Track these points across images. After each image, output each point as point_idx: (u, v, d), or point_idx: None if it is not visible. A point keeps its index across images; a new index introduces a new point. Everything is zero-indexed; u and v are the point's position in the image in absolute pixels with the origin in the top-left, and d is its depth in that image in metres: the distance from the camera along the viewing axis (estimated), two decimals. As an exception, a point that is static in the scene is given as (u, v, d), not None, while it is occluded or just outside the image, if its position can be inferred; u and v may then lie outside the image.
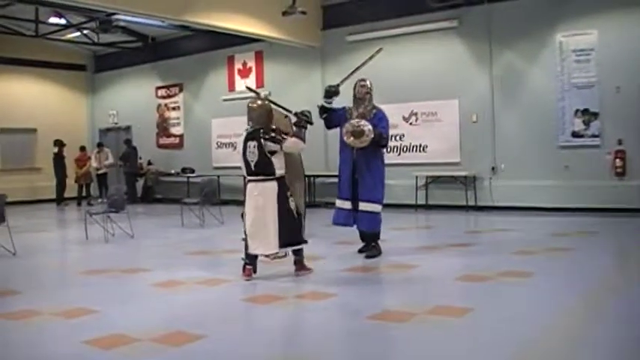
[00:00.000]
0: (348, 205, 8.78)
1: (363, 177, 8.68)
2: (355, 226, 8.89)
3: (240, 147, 7.54)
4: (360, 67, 8.86)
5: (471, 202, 14.36)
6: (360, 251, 9.05)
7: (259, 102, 7.68)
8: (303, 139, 7.55)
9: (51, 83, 22.00)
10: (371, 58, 8.64)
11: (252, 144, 7.35)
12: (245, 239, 7.52)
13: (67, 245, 12.13)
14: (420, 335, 5.24)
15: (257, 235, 7.37)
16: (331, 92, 9.03)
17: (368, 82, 9.02)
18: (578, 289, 6.57)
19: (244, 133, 7.53)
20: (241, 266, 7.57)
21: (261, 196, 7.35)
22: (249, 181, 7.46)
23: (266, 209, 7.33)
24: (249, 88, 8.87)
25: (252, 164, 7.36)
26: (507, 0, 13.99)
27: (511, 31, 14.02)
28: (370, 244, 8.97)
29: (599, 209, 12.70)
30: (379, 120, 8.73)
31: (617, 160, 12.83)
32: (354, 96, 9.04)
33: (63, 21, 18.16)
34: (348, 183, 8.80)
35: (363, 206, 8.65)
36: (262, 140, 7.30)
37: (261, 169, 7.33)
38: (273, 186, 7.34)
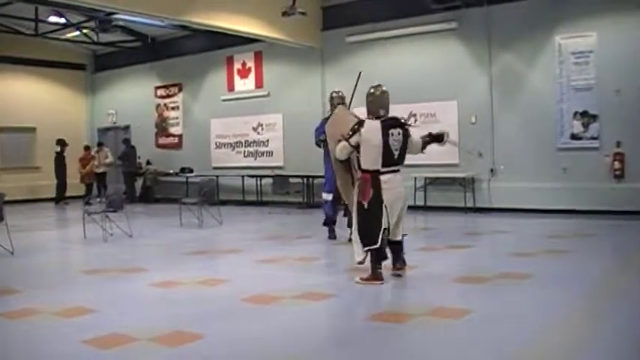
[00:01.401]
0: (331, 196, 10.14)
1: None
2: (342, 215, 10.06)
3: (373, 135, 6.97)
4: (353, 94, 8.80)
5: (470, 204, 14.37)
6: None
7: (382, 88, 7.30)
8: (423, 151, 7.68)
9: (50, 82, 21.99)
10: (356, 84, 8.68)
11: (395, 131, 7.02)
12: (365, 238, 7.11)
13: (65, 244, 12.12)
14: (419, 336, 5.25)
15: (400, 223, 7.22)
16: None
17: (341, 92, 10.16)
18: (576, 291, 6.58)
19: (375, 122, 7.05)
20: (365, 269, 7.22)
21: (402, 187, 7.20)
22: (385, 172, 6.99)
23: (406, 201, 7.31)
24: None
25: (397, 153, 7.03)
26: (506, 2, 14.00)
27: (510, 33, 14.03)
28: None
29: (597, 211, 12.71)
30: None
31: (616, 162, 12.85)
32: (332, 105, 10.07)
33: (62, 20, 18.17)
34: (333, 179, 9.36)
35: None
36: (406, 127, 7.15)
37: (401, 158, 7.12)
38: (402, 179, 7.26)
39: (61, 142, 20.03)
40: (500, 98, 14.22)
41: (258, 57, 18.39)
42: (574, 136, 13.32)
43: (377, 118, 7.07)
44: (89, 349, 5.02)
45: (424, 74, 15.03)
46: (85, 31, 19.48)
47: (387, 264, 7.25)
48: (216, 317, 5.92)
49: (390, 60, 15.55)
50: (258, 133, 18.41)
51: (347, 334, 5.39)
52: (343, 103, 9.89)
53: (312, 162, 11.17)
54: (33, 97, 21.32)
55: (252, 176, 17.99)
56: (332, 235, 10.69)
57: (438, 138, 7.57)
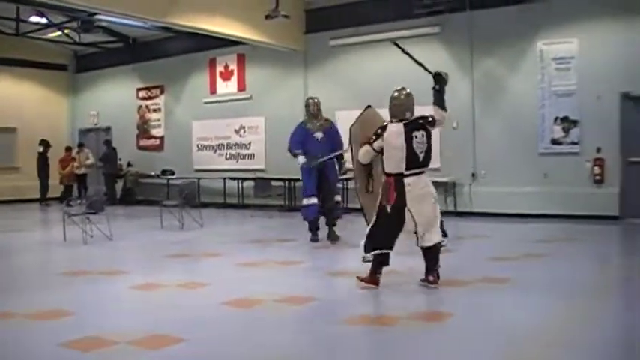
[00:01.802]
0: (315, 200, 10.50)
1: (329, 175, 10.55)
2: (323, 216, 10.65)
3: (396, 139, 6.86)
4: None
5: (451, 208, 14.39)
6: (331, 239, 10.62)
7: (406, 90, 7.25)
8: (445, 107, 7.14)
9: (31, 82, 21.79)
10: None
11: (419, 134, 6.87)
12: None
13: (44, 246, 12.02)
14: (400, 340, 5.25)
15: (431, 227, 7.04)
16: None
17: (317, 99, 10.83)
18: (556, 295, 6.62)
19: (398, 126, 6.93)
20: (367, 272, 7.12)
21: (428, 187, 7.00)
22: (409, 175, 6.84)
23: (435, 201, 7.10)
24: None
25: (422, 155, 6.89)
26: (489, 7, 14.08)
27: (492, 39, 14.11)
28: (333, 230, 10.69)
29: (577, 216, 12.81)
30: (336, 133, 10.70)
31: (596, 167, 12.95)
32: (309, 112, 10.74)
33: (44, 20, 18.06)
34: (314, 183, 10.51)
35: (334, 198, 10.66)
36: (429, 127, 6.97)
37: (427, 160, 6.96)
38: (429, 179, 7.09)
39: (45, 143, 19.92)
40: (482, 103, 14.29)
41: (241, 60, 18.36)
42: (555, 142, 13.41)
43: (401, 121, 6.96)
44: (68, 352, 4.98)
45: (406, 78, 14.89)
46: (66, 31, 19.37)
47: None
48: (197, 320, 5.88)
49: (373, 64, 15.57)
50: (240, 135, 18.39)
51: (328, 338, 5.38)
52: (319, 110, 10.64)
53: (294, 165, 11.15)
54: (14, 98, 21.11)
55: (234, 179, 17.94)
56: (315, 238, 10.72)
57: (440, 81, 7.23)
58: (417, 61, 7.59)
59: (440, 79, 7.18)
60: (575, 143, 13.20)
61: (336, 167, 10.67)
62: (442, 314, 5.88)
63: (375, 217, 7.02)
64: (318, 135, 10.62)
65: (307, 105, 10.83)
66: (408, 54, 7.89)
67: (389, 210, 6.87)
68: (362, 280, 7.06)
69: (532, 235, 11.18)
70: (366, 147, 7.11)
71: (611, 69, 12.80)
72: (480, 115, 14.31)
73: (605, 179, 12.94)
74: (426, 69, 7.37)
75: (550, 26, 13.48)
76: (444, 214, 13.74)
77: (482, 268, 8.24)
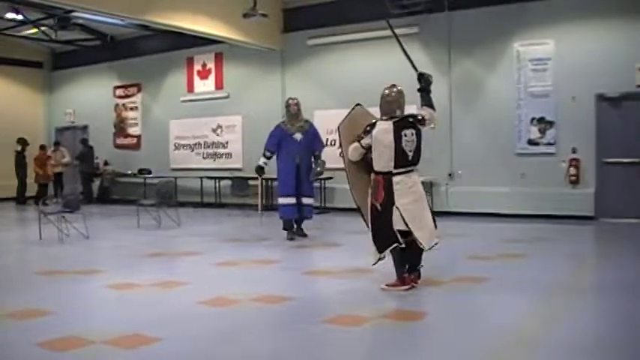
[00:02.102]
0: (293, 200, 10.67)
1: (304, 177, 10.73)
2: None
3: (385, 136, 6.82)
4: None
5: (428, 208, 14.45)
6: (297, 235, 10.97)
7: (398, 87, 7.10)
8: (434, 107, 7.18)
9: (6, 80, 21.55)
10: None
11: (408, 132, 6.85)
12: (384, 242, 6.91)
13: (20, 245, 11.92)
14: (375, 339, 5.28)
15: (423, 227, 6.88)
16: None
17: (297, 100, 11.00)
18: (531, 294, 6.67)
19: (387, 123, 6.88)
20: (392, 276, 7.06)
21: (417, 186, 6.97)
22: (398, 173, 6.83)
23: (423, 200, 7.01)
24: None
25: (411, 153, 6.90)
26: (467, 8, 14.15)
27: (470, 39, 14.18)
28: (301, 228, 11.04)
29: (553, 216, 12.92)
30: (315, 135, 10.98)
31: (572, 168, 13.07)
32: (289, 112, 10.90)
33: (20, 17, 17.86)
34: (292, 183, 10.66)
35: (305, 200, 10.80)
36: (419, 126, 6.95)
37: (417, 158, 6.98)
38: (418, 178, 7.08)
39: (22, 142, 19.77)
40: (460, 103, 14.36)
41: (219, 58, 18.32)
42: (531, 142, 13.51)
43: (391, 118, 6.91)
44: (44, 352, 4.95)
45: (384, 78, 14.90)
46: (43, 28, 19.17)
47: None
48: (174, 320, 5.87)
49: (351, 63, 15.61)
50: (218, 134, 18.34)
51: (306, 337, 5.39)
52: (299, 110, 10.86)
53: (271, 164, 11.17)
54: (-12, 95, 20.93)
55: (211, 178, 17.89)
56: (291, 237, 10.76)
57: (424, 81, 7.23)
58: (405, 53, 7.61)
59: (424, 79, 7.20)
60: (552, 144, 13.31)
61: (313, 167, 10.86)
62: (418, 313, 5.91)
63: (370, 218, 7.02)
64: (297, 136, 10.74)
65: (287, 105, 10.94)
66: (399, 41, 7.96)
67: (379, 208, 6.86)
68: (391, 285, 6.94)
69: (508, 235, 11.27)
70: (355, 144, 7.06)
71: (586, 70, 12.92)
72: (458, 116, 14.38)
73: (580, 179, 13.05)
74: (412, 64, 7.39)
75: (526, 27, 13.58)
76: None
77: (458, 267, 8.30)
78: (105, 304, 6.75)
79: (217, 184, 17.81)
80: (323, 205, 15.18)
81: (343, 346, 5.12)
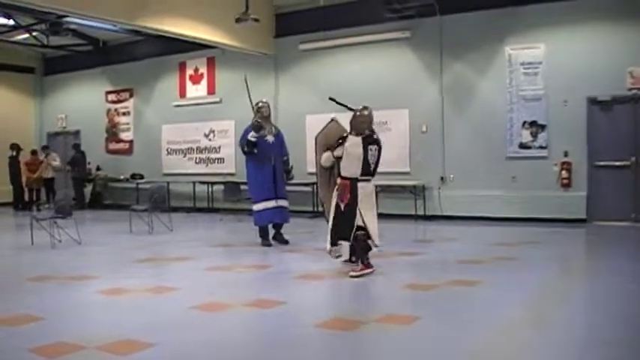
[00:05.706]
0: (272, 203, 10.63)
1: (280, 181, 10.82)
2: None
3: (355, 149, 7.98)
4: (250, 95, 10.95)
5: (420, 212, 14.48)
6: (274, 239, 10.95)
7: (369, 109, 8.20)
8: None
9: (-2, 85, 21.55)
10: (248, 87, 10.82)
11: (373, 147, 8.06)
12: (364, 235, 8.03)
13: (11, 251, 11.84)
14: (367, 343, 5.28)
15: (374, 226, 8.15)
16: (259, 127, 10.64)
17: (268, 103, 11.13)
18: (523, 297, 6.69)
19: (357, 139, 8.01)
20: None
21: (372, 195, 8.25)
22: (362, 180, 8.04)
23: (374, 207, 8.26)
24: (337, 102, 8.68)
25: (373, 165, 8.09)
26: (458, 12, 14.19)
27: (461, 43, 14.22)
28: (280, 233, 10.97)
29: (545, 219, 12.96)
30: (283, 139, 11.08)
31: (564, 171, 13.11)
32: (261, 114, 10.81)
33: (11, 22, 17.81)
34: (270, 185, 10.65)
35: (282, 203, 10.76)
36: (378, 145, 8.10)
37: (374, 171, 8.19)
38: (373, 187, 8.32)
39: (16, 147, 19.73)
40: (451, 107, 14.40)
41: (211, 63, 18.32)
42: (523, 145, 13.55)
43: (359, 134, 8.02)
44: (35, 357, 4.94)
45: (376, 82, 15.10)
46: (34, 33, 19.13)
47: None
48: (166, 325, 5.86)
49: (343, 68, 15.64)
50: (210, 139, 18.34)
51: (297, 342, 5.39)
52: (270, 114, 11.10)
53: (241, 173, 11.26)
54: (-21, 101, 20.85)
55: (204, 183, 17.88)
56: (268, 243, 10.86)
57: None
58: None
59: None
60: (544, 147, 13.35)
61: (285, 172, 11.05)
62: (409, 317, 5.91)
63: (332, 216, 8.19)
64: (270, 138, 10.79)
65: (260, 108, 10.86)
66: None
67: (342, 208, 8.02)
68: (356, 276, 7.83)
69: (500, 239, 11.29)
70: (328, 153, 8.37)
71: (577, 74, 12.98)
72: (449, 119, 14.42)
73: (572, 183, 13.10)
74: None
75: (518, 31, 13.63)
76: (413, 217, 13.88)
77: (450, 271, 8.32)
78: (97, 309, 6.73)
79: (210, 189, 17.79)
80: (315, 209, 15.18)
81: (336, 351, 5.12)
